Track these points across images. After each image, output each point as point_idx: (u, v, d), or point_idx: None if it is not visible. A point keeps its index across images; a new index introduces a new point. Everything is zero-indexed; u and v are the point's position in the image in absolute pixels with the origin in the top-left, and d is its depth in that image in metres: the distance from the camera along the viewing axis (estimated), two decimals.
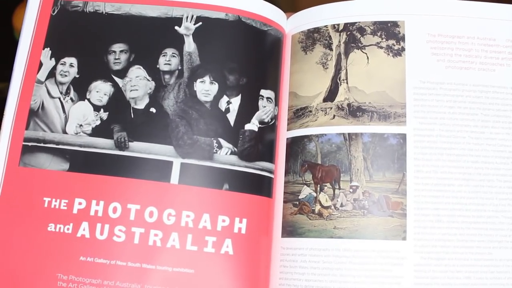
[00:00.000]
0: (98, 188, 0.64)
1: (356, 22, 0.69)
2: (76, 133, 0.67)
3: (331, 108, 0.68)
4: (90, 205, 0.64)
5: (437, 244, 0.62)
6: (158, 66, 0.68)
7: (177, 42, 0.68)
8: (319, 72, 0.69)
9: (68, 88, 0.68)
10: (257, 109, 0.68)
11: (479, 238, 0.62)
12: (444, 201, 0.63)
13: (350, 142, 0.66)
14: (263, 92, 0.69)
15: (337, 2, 0.70)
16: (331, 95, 0.68)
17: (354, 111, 0.67)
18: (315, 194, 0.67)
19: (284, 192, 0.68)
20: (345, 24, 0.69)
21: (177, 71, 0.68)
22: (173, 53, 0.68)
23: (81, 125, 0.67)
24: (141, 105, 0.68)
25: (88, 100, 0.68)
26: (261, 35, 0.70)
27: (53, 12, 0.70)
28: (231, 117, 0.68)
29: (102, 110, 0.68)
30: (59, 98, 0.68)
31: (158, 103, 0.68)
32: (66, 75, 0.68)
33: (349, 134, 0.66)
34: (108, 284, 0.62)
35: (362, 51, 0.68)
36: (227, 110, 0.68)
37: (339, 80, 0.68)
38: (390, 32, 0.68)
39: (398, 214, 0.63)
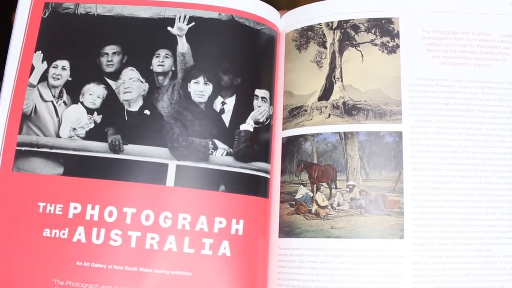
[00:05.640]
0: (93, 192, 0.64)
1: (350, 20, 0.69)
2: (70, 137, 0.66)
3: (326, 107, 0.67)
4: (86, 210, 0.64)
5: (435, 242, 0.62)
6: (151, 68, 0.68)
7: (170, 42, 0.68)
8: (314, 70, 0.69)
9: (60, 92, 0.68)
10: (252, 109, 0.68)
11: (477, 235, 0.62)
12: (441, 198, 0.63)
13: (346, 141, 0.66)
14: (258, 91, 0.68)
15: None
16: (326, 93, 0.68)
17: (350, 110, 0.66)
18: (311, 194, 0.66)
19: (281, 192, 0.67)
20: (339, 22, 0.69)
21: (170, 72, 0.68)
22: (166, 54, 0.68)
23: (74, 129, 0.66)
24: (135, 107, 0.67)
25: (81, 103, 0.67)
26: (255, 34, 0.69)
27: (44, 14, 0.69)
28: (226, 118, 0.67)
29: (95, 113, 0.67)
30: (52, 102, 0.67)
31: (152, 105, 0.67)
32: (58, 78, 0.68)
33: (344, 133, 0.66)
34: None
35: (356, 49, 0.68)
36: (222, 110, 0.67)
37: (334, 78, 0.68)
38: (384, 29, 0.68)
39: (395, 213, 0.63)
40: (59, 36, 0.69)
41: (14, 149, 0.66)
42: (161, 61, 0.68)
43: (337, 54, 0.69)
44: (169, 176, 0.64)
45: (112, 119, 0.67)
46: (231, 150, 0.66)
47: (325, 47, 0.69)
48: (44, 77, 0.68)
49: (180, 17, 0.68)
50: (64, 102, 0.67)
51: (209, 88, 0.67)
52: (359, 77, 0.67)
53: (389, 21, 0.68)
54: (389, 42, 0.67)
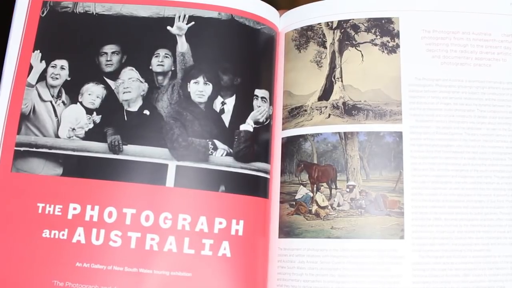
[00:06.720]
0: (93, 192, 0.64)
1: (350, 19, 0.69)
2: (69, 137, 0.66)
3: (326, 107, 0.67)
4: (85, 210, 0.63)
5: (435, 242, 0.62)
6: (151, 67, 0.68)
7: (170, 42, 0.68)
8: (313, 70, 0.69)
9: (59, 91, 0.67)
10: (252, 109, 0.68)
11: (477, 235, 0.62)
12: (441, 198, 0.63)
13: (346, 141, 0.66)
14: (258, 91, 0.68)
15: None
16: (326, 93, 0.68)
17: (350, 110, 0.66)
18: (311, 194, 0.66)
19: (281, 193, 0.67)
20: (339, 22, 0.69)
21: (170, 72, 0.68)
22: (166, 53, 0.68)
23: (73, 129, 0.66)
24: (134, 108, 0.67)
25: (80, 103, 0.67)
26: (255, 34, 0.69)
27: (42, 13, 0.69)
28: (226, 118, 0.67)
29: (94, 113, 0.67)
30: (51, 102, 0.67)
31: (151, 105, 0.67)
32: (57, 78, 0.67)
33: (344, 133, 0.66)
34: None
35: (356, 49, 0.68)
36: (222, 111, 0.67)
37: (334, 78, 0.68)
38: (384, 29, 0.67)
39: (395, 213, 0.63)
40: (57, 35, 0.69)
41: (13, 149, 0.65)
42: (160, 61, 0.68)
43: (337, 54, 0.68)
44: (169, 176, 0.64)
45: (112, 119, 0.67)
46: (231, 150, 0.66)
47: (325, 47, 0.69)
48: (42, 77, 0.67)
49: (179, 17, 0.68)
50: (63, 102, 0.67)
51: (208, 88, 0.67)
52: (359, 77, 0.67)
53: (389, 21, 0.68)
54: (389, 42, 0.67)
